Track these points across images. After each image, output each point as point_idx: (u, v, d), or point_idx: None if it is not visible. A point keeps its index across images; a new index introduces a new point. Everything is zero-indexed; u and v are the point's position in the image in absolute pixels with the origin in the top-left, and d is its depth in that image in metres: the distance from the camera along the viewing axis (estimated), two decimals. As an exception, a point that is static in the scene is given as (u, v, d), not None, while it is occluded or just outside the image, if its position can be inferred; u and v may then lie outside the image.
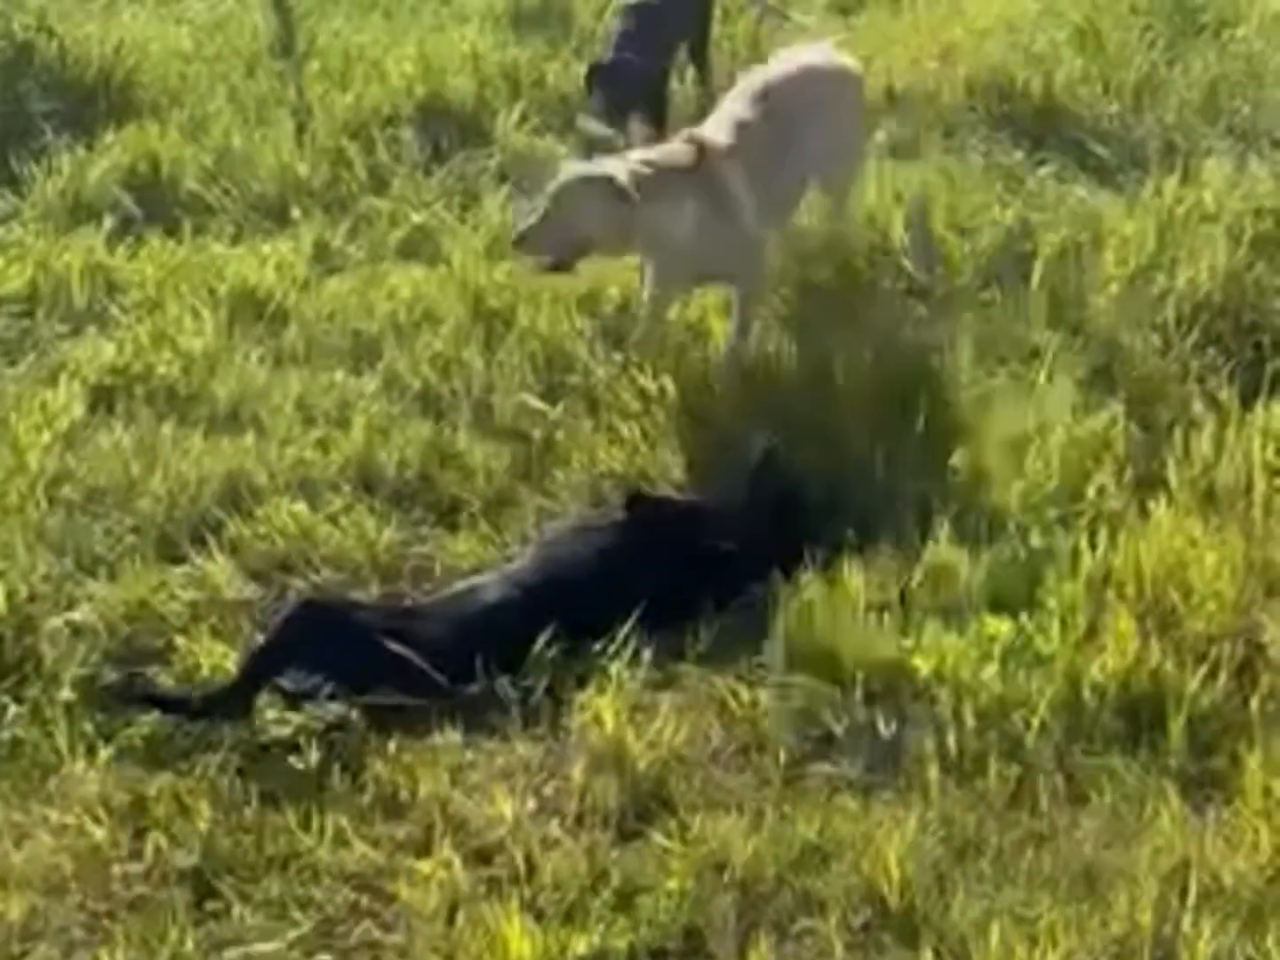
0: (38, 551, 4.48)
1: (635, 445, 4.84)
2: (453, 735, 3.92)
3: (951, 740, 3.81)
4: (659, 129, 5.83)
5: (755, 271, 5.29)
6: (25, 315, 5.67)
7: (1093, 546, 4.28)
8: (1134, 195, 5.99)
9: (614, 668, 4.05)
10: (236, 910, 3.56)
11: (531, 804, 3.76)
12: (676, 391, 5.02)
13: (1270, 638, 4.06)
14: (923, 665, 4.00)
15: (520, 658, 4.07)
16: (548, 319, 5.37)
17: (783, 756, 3.85)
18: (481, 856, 3.65)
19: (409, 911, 3.54)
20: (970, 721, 3.85)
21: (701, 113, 5.76)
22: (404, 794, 3.79)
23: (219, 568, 4.44)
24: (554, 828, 3.70)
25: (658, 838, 3.66)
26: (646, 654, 4.09)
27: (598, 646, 4.11)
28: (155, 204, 6.30)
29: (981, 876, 3.53)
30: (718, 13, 7.18)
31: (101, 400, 5.16)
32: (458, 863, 3.60)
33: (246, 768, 3.84)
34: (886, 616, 4.13)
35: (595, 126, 6.22)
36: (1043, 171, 6.26)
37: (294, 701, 3.94)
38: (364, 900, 3.58)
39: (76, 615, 4.28)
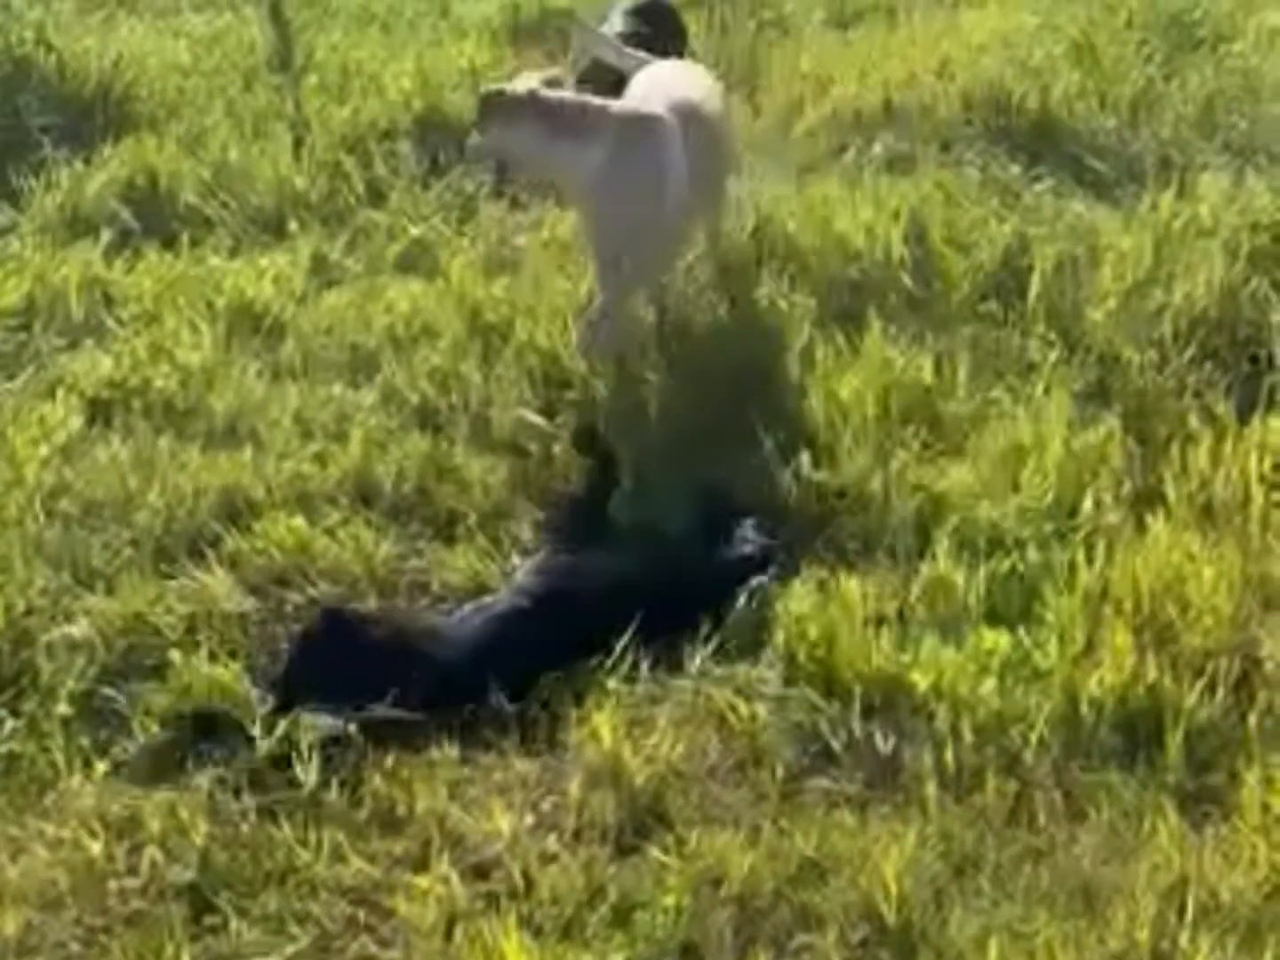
0: (35, 565, 4.47)
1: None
2: (450, 751, 3.90)
3: (949, 755, 3.80)
4: None
5: (649, 253, 5.04)
6: (22, 328, 5.66)
7: (1090, 561, 4.27)
8: (1131, 210, 5.98)
9: (611, 682, 4.04)
10: (234, 925, 3.54)
11: (529, 819, 3.75)
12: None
13: (1268, 653, 4.05)
14: (920, 680, 3.99)
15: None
16: (546, 333, 5.36)
17: (780, 771, 3.83)
18: (479, 872, 3.63)
19: (406, 926, 3.52)
20: (968, 736, 3.83)
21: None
22: (401, 809, 3.78)
23: (216, 581, 4.43)
24: (551, 843, 3.69)
25: (655, 853, 3.65)
26: (644, 668, 4.08)
27: (594, 661, 4.10)
28: (153, 217, 6.30)
29: (979, 892, 3.52)
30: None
31: (99, 414, 5.15)
32: (455, 878, 3.59)
33: (243, 783, 3.82)
34: (884, 631, 4.12)
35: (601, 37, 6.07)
36: (1039, 186, 6.25)
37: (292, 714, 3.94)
38: (361, 915, 3.56)
39: (73, 629, 4.27)
